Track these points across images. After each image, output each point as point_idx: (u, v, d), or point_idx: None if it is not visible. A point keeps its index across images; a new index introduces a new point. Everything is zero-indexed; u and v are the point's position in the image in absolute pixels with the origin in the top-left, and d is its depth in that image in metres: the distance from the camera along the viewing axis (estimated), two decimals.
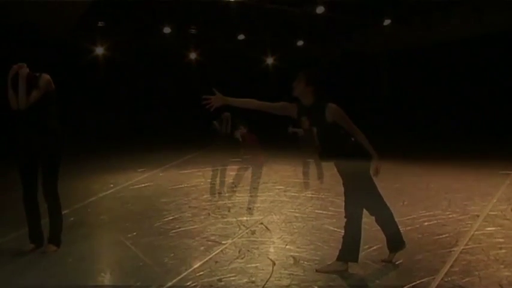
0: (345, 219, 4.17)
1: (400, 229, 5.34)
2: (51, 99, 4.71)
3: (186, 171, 9.65)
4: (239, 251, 4.63)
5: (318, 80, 4.04)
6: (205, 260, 4.44)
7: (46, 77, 4.68)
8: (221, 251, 4.69)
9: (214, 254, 4.61)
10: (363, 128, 4.06)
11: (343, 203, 4.19)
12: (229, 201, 6.98)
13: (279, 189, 8.00)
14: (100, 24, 16.29)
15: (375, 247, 4.74)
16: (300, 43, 19.47)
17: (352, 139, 4.04)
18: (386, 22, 16.23)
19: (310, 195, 7.46)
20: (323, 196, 7.27)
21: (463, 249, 4.68)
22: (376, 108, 19.26)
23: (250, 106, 4.20)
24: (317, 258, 4.46)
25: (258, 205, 6.68)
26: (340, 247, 4.18)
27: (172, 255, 4.58)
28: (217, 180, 7.68)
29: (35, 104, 4.56)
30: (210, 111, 4.14)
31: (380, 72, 20.54)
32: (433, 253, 4.59)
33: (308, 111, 4.06)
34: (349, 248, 4.10)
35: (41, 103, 4.59)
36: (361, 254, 4.51)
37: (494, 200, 6.75)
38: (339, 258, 4.14)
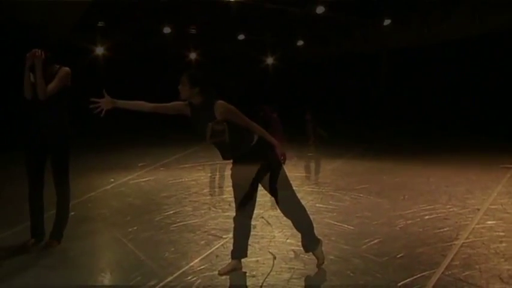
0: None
1: (401, 223, 5.45)
2: (67, 94, 4.59)
3: (186, 166, 9.58)
4: None
5: (202, 80, 3.85)
6: (206, 254, 4.43)
7: (66, 69, 4.54)
8: (222, 245, 4.68)
9: (215, 248, 4.61)
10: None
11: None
12: (230, 196, 6.93)
13: None
14: (100, 24, 16.31)
15: (375, 241, 4.75)
16: (300, 43, 19.49)
17: (252, 134, 3.88)
18: (386, 22, 16.26)
19: (310, 189, 7.44)
20: (323, 190, 7.26)
21: (463, 242, 4.69)
22: (376, 107, 19.27)
23: (142, 108, 4.09)
24: None
25: (259, 199, 6.63)
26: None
27: (173, 249, 4.58)
28: (217, 174, 7.69)
29: (52, 97, 4.42)
30: (101, 116, 3.98)
31: (380, 72, 20.55)
32: (433, 247, 4.59)
33: (199, 110, 3.88)
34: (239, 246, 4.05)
35: (58, 96, 4.47)
36: (362, 248, 4.55)
37: (495, 194, 6.77)
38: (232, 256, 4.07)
